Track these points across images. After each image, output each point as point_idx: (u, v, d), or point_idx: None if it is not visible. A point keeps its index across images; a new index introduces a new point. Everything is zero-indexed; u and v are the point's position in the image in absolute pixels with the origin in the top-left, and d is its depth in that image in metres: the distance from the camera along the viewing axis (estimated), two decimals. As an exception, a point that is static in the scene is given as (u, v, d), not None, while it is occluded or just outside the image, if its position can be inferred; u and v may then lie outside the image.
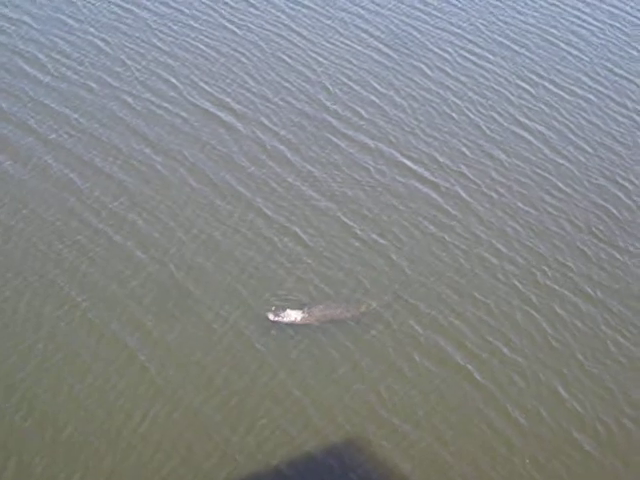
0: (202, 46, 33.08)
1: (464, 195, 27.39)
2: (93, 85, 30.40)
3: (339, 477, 19.90)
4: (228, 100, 30.31)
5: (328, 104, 30.53)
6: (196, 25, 34.41)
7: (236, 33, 33.98)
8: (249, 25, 34.62)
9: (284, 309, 23.22)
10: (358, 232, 25.89)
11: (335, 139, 29.05)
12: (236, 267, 24.45)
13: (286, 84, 31.24)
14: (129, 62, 31.65)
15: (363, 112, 30.35)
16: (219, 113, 29.63)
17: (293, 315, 23.17)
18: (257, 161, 28.05)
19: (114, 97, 29.82)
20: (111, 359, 21.65)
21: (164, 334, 22.40)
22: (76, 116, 28.82)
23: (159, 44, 32.96)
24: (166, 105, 29.70)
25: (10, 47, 32.00)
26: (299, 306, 23.31)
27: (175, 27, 34.08)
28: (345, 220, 26.35)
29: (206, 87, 30.82)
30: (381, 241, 25.67)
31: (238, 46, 33.28)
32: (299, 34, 34.23)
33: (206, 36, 33.75)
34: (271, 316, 23.07)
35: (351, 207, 26.80)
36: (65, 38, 32.57)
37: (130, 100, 29.68)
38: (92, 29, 33.34)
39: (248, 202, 26.50)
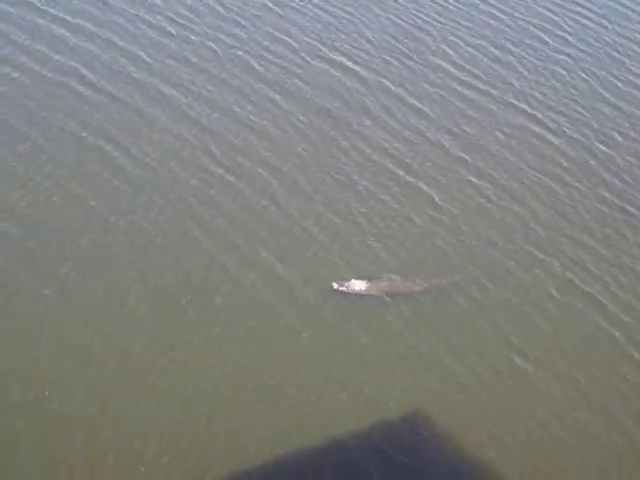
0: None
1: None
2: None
3: (397, 449, 19.73)
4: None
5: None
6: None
7: None
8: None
9: (348, 279, 23.09)
10: (439, 205, 25.91)
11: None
12: (309, 233, 24.53)
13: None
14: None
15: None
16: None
17: (357, 285, 23.01)
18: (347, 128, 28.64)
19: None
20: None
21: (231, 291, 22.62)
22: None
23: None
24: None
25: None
26: (363, 277, 23.13)
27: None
28: (426, 192, 26.38)
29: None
30: (459, 219, 25.59)
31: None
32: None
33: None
34: (335, 285, 22.96)
35: (434, 179, 26.81)
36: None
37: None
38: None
39: (334, 172, 26.83)
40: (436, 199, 26.08)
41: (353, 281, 23.06)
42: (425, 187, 26.58)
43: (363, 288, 23.01)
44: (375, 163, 27.38)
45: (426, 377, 21.19)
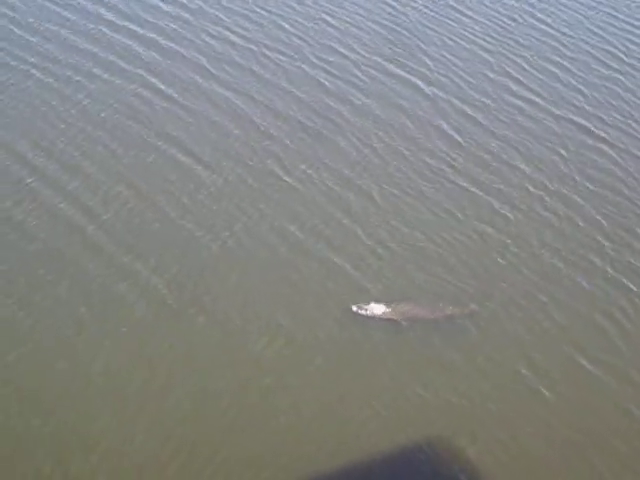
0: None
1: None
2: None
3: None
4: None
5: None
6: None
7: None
8: None
9: (368, 302, 22.98)
10: (465, 229, 25.84)
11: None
12: (330, 253, 24.58)
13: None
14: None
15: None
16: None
17: (376, 309, 22.83)
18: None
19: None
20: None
21: (252, 314, 22.58)
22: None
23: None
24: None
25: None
26: (383, 300, 23.02)
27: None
28: (452, 215, 26.46)
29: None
30: (490, 242, 25.60)
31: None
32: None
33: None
34: (354, 308, 22.84)
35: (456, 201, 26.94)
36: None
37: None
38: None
39: (355, 186, 27.04)
40: (467, 226, 26.14)
41: (372, 304, 22.93)
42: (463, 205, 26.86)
43: (382, 312, 22.84)
44: (428, 178, 27.77)
45: (445, 403, 21.13)
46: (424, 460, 19.92)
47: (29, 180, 26.17)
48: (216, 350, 21.60)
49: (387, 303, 22.99)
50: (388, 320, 22.73)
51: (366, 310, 22.85)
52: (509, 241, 25.62)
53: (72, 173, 26.69)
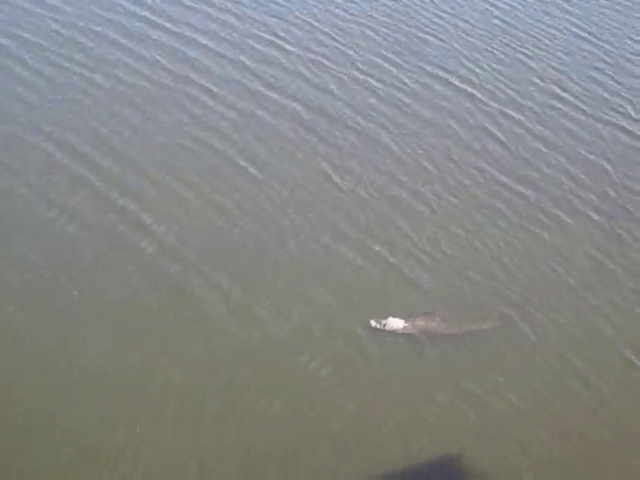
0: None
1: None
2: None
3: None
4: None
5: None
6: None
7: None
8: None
9: (386, 317, 23.04)
10: (480, 248, 25.87)
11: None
12: (349, 267, 24.77)
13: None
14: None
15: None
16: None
17: (395, 324, 22.86)
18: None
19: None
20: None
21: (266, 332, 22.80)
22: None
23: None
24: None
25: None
26: (402, 315, 23.09)
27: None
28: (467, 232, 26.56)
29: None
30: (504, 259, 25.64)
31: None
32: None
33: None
34: (373, 322, 22.89)
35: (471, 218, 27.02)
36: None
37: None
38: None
39: (377, 207, 27.10)
40: (488, 242, 26.22)
41: (390, 319, 22.94)
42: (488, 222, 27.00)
43: (401, 327, 22.84)
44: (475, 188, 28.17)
45: (467, 419, 21.19)
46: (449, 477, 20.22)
47: (83, 180, 26.87)
48: (239, 355, 22.03)
49: (406, 317, 23.04)
50: (407, 335, 22.79)
51: (384, 325, 22.87)
52: (554, 249, 25.99)
53: (126, 169, 27.49)
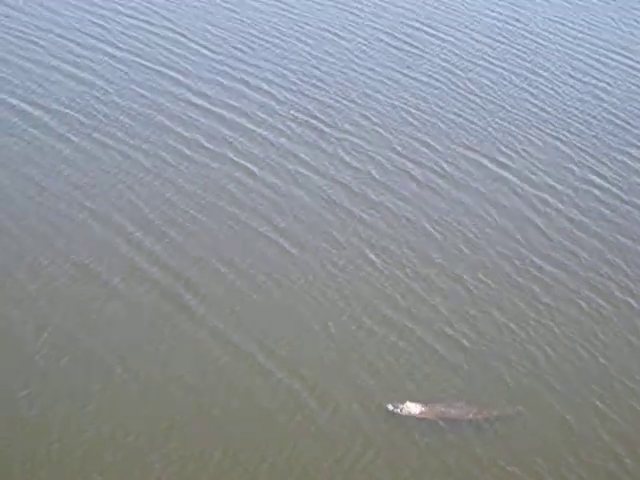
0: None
1: None
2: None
3: None
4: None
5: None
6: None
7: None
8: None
9: (403, 401, 23.06)
10: (503, 331, 26.00)
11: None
12: (367, 351, 24.94)
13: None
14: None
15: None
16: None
17: (412, 408, 22.86)
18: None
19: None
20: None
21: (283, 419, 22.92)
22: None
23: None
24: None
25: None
26: (419, 400, 23.15)
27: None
28: (490, 315, 26.68)
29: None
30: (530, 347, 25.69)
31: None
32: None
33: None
34: (390, 407, 22.95)
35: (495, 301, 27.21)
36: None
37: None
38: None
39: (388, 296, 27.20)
40: (511, 325, 26.32)
41: (408, 404, 22.95)
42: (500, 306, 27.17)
43: (418, 412, 22.82)
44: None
45: None
46: None
47: (125, 258, 27.39)
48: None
49: (423, 402, 23.04)
50: (424, 420, 22.76)
51: (401, 409, 22.88)
52: (591, 335, 26.05)
53: (167, 247, 28.08)
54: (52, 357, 23.67)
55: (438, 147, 34.43)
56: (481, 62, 41.50)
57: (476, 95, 38.60)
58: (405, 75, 39.64)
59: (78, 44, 39.53)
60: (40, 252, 27.20)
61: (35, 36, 39.81)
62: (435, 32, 44.13)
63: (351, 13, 45.56)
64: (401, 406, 22.74)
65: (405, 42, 42.75)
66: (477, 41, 43.67)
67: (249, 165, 32.33)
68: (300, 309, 26.05)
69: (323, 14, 45.03)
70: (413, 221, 30.17)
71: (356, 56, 41.01)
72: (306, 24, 43.66)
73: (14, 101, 34.83)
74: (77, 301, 25.62)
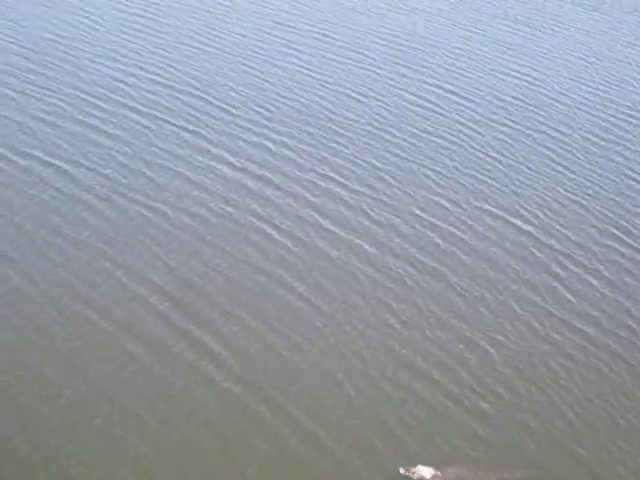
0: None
1: None
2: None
3: None
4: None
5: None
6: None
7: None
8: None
9: (415, 464, 22.93)
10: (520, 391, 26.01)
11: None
12: (379, 413, 24.86)
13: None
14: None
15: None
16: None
17: (424, 472, 22.71)
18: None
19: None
20: None
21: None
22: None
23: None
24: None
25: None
26: (432, 463, 23.01)
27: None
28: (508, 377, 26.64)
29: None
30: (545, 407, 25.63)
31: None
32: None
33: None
34: (402, 470, 22.81)
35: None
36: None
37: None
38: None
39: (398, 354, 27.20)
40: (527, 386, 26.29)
41: (420, 467, 22.82)
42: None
43: (430, 476, 22.70)
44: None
45: None
46: None
47: (156, 310, 27.56)
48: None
49: (435, 466, 22.90)
50: None
51: (413, 473, 22.74)
52: (619, 391, 26.04)
53: (196, 300, 28.22)
54: (86, 412, 23.80)
55: (460, 205, 34.74)
56: (502, 122, 41.94)
57: (497, 154, 38.96)
58: (427, 134, 40.09)
59: (104, 101, 40.09)
60: (69, 306, 27.44)
61: (60, 93, 40.39)
62: (455, 92, 44.66)
63: (372, 72, 46.17)
64: (413, 470, 22.60)
65: (425, 102, 43.24)
66: (497, 101, 44.16)
67: (275, 221, 32.70)
68: (324, 366, 26.19)
69: (345, 74, 45.63)
70: (438, 278, 30.38)
71: (377, 115, 41.48)
72: (327, 83, 44.24)
73: (41, 155, 35.27)
74: (107, 354, 25.81)
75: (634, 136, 41.92)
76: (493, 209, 34.75)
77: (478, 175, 36.94)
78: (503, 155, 38.90)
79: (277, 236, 31.88)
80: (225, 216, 32.89)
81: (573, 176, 37.70)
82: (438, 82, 45.74)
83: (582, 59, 50.81)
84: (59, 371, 25.01)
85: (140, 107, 39.84)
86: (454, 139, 39.81)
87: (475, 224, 33.61)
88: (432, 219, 33.74)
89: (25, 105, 39.01)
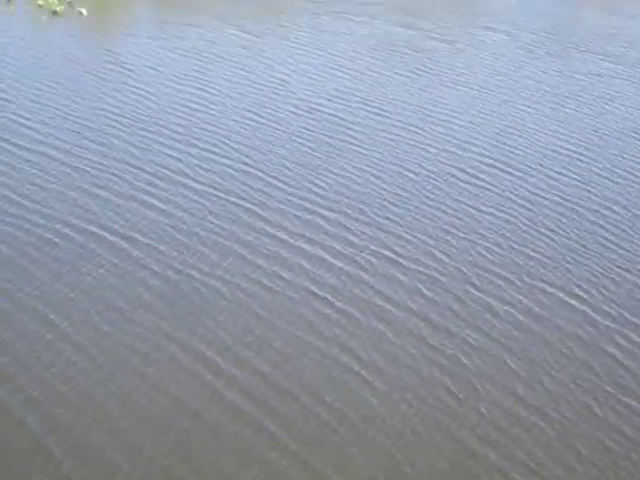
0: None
1: None
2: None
3: None
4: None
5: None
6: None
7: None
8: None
9: None
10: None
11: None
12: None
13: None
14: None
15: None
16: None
17: None
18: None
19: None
20: None
21: None
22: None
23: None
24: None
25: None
26: None
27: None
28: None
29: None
30: None
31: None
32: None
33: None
34: None
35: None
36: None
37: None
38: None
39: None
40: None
41: None
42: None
43: None
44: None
45: None
46: None
47: (206, 382, 27.89)
48: None
49: None
50: None
51: None
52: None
53: (249, 374, 28.46)
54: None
55: (514, 283, 34.77)
56: (553, 199, 42.01)
57: (550, 231, 39.00)
58: (479, 211, 40.27)
59: (158, 177, 40.71)
60: (125, 381, 27.70)
61: (114, 169, 41.05)
62: (507, 169, 44.87)
63: (424, 149, 46.54)
64: None
65: (476, 179, 43.48)
66: (549, 178, 44.29)
67: (329, 298, 33.05)
68: (381, 445, 26.09)
69: (397, 151, 46.02)
70: (493, 357, 30.32)
71: (429, 191, 41.76)
72: (380, 160, 44.64)
73: (96, 230, 35.82)
74: (163, 430, 26.01)
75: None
76: (547, 287, 34.71)
77: (531, 253, 36.98)
78: (556, 232, 38.93)
79: (331, 313, 32.14)
80: (279, 293, 33.24)
81: (627, 254, 37.61)
82: (491, 159, 46.00)
83: (634, 136, 50.88)
84: (116, 448, 25.24)
85: (194, 183, 40.41)
86: (507, 216, 39.93)
87: (529, 302, 33.57)
88: (486, 297, 33.81)
89: (80, 181, 39.65)
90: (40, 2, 52.44)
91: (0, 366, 28.40)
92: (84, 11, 52.71)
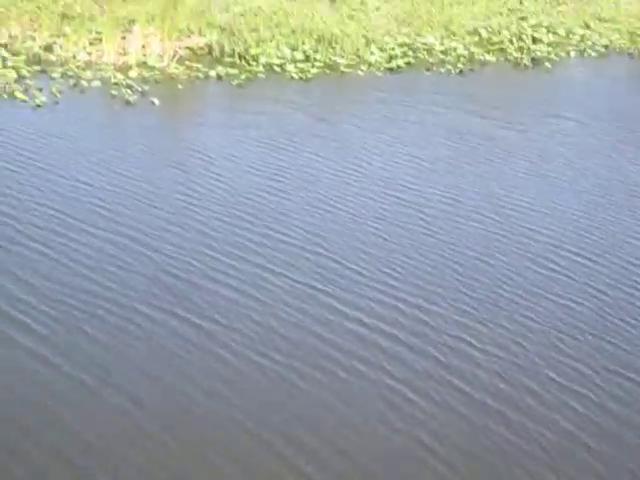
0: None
1: None
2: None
3: None
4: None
5: None
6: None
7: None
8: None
9: None
10: None
11: None
12: None
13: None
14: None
15: None
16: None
17: None
18: None
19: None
20: None
21: None
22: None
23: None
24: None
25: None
26: None
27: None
28: None
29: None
30: None
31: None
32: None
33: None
34: None
35: None
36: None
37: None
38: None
39: None
40: None
41: None
42: None
43: None
44: None
45: None
46: None
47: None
48: None
49: None
50: None
51: None
52: None
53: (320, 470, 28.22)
54: None
55: (597, 371, 34.38)
56: (632, 284, 41.67)
57: (626, 323, 38.70)
58: (557, 297, 39.97)
59: (235, 260, 40.81)
60: (207, 456, 27.55)
61: (192, 251, 41.41)
62: (581, 256, 44.55)
63: (498, 235, 46.25)
64: None
65: (552, 266, 43.23)
66: (624, 262, 43.91)
67: (408, 380, 32.59)
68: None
69: (471, 236, 45.87)
70: (572, 454, 30.03)
71: (505, 278, 41.50)
72: (454, 245, 44.53)
73: (177, 311, 35.82)
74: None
75: None
76: (630, 372, 34.31)
77: (614, 341, 36.63)
78: (631, 324, 38.62)
79: (410, 396, 31.81)
80: (357, 374, 33.07)
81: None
82: (565, 248, 45.77)
83: None
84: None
85: (271, 266, 40.62)
86: (587, 303, 39.58)
87: (605, 394, 33.08)
88: (567, 383, 33.38)
89: (159, 263, 40.07)
90: (114, 92, 54.54)
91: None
92: (156, 100, 54.83)
